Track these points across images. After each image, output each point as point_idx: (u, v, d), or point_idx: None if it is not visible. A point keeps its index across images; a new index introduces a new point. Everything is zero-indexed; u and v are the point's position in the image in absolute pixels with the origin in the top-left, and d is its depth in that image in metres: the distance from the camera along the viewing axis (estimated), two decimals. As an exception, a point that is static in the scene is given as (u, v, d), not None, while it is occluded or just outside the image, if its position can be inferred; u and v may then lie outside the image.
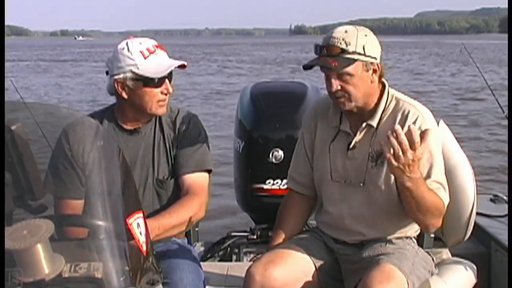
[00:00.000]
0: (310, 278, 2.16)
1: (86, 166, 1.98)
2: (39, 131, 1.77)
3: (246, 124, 3.31)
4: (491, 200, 3.53)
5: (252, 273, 2.06)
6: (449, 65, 31.36)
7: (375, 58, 2.10)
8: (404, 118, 2.13)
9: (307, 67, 2.12)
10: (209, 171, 2.31)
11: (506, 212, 3.23)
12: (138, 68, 2.15)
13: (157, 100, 2.20)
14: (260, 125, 3.28)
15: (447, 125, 2.40)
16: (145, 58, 2.16)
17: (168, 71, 2.19)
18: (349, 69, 2.06)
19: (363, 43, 2.07)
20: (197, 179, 2.25)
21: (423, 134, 1.91)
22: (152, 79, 2.17)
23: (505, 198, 3.45)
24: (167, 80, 2.21)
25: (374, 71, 2.11)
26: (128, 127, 2.27)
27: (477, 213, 2.75)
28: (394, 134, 1.86)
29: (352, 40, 2.05)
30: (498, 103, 3.62)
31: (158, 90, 2.20)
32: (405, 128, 1.99)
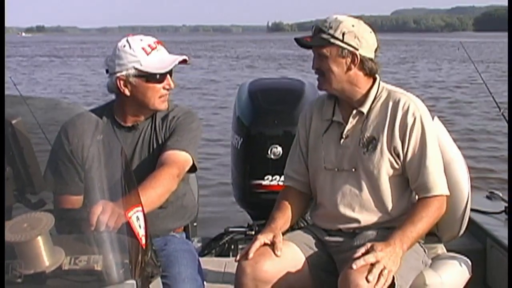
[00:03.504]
0: (301, 271, 2.18)
1: (85, 161, 1.99)
2: (40, 125, 1.78)
3: (244, 120, 3.33)
4: (487, 197, 3.55)
5: (243, 265, 2.08)
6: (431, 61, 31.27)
7: (355, 48, 2.15)
8: (396, 105, 2.19)
9: (298, 41, 2.22)
10: (193, 165, 2.23)
11: (502, 209, 3.25)
12: (141, 65, 2.17)
13: (159, 96, 2.22)
14: (258, 122, 3.30)
15: (442, 121, 2.42)
16: (147, 55, 2.18)
17: (172, 66, 2.21)
18: (323, 50, 2.16)
19: (344, 31, 2.14)
20: (173, 155, 2.16)
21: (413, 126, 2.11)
22: (155, 75, 2.19)
23: (501, 195, 3.47)
24: (168, 75, 2.23)
25: (353, 60, 2.16)
26: (127, 123, 2.28)
27: (473, 210, 2.77)
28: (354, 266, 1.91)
29: (335, 25, 2.15)
30: (495, 101, 3.63)
31: (160, 85, 2.21)
32: (398, 116, 2.15)
